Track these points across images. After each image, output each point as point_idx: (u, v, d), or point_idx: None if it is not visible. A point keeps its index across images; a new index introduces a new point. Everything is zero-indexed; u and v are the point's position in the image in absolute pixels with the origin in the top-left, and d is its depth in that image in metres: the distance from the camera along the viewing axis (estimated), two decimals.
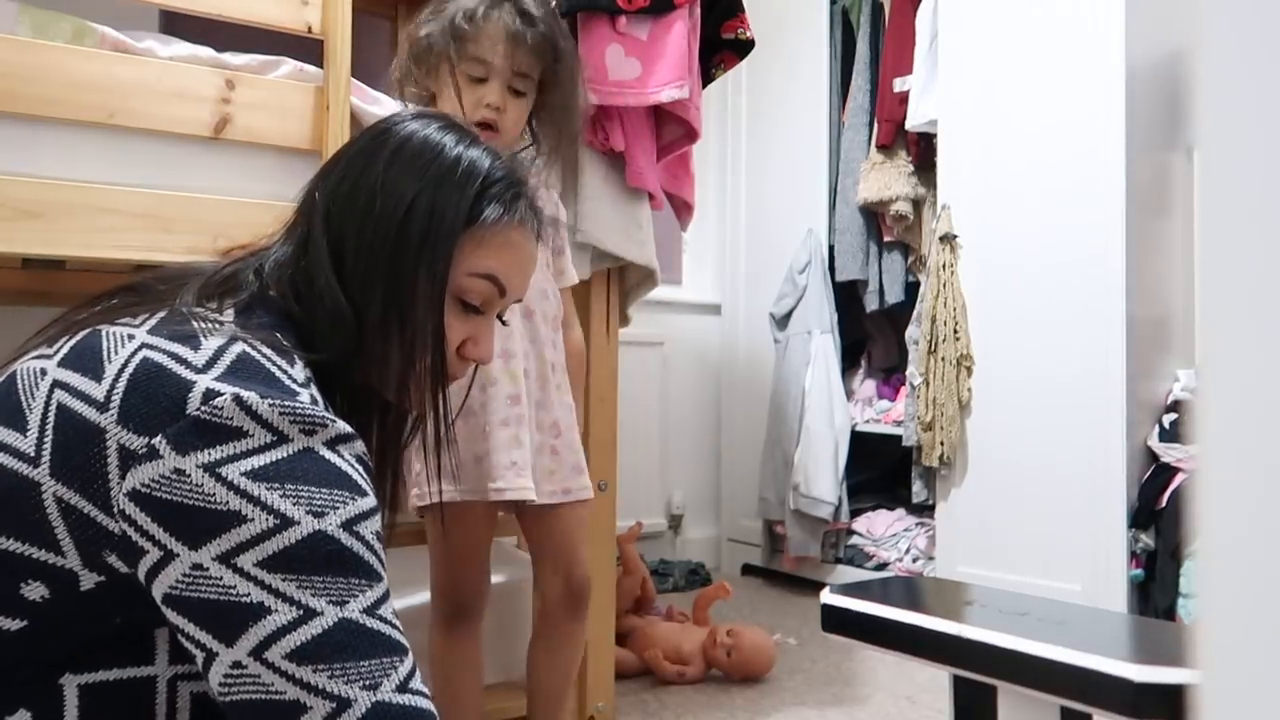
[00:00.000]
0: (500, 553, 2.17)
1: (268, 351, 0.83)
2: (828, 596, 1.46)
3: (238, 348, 0.81)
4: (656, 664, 2.31)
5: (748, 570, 3.52)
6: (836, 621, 1.43)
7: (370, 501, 0.80)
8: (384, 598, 0.78)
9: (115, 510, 0.74)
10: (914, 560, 3.04)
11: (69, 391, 0.77)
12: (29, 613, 0.76)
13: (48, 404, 0.77)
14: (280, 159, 1.54)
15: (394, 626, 0.78)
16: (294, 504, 0.75)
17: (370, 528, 0.79)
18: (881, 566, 3.10)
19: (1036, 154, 2.65)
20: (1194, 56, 0.30)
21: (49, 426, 0.76)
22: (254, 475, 0.74)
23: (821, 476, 3.10)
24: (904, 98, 3.05)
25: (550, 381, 1.53)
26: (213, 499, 0.73)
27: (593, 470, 1.94)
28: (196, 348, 0.80)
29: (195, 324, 0.82)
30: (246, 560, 0.73)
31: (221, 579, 0.72)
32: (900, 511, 3.18)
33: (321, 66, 1.58)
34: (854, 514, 3.22)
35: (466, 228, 0.94)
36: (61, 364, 0.80)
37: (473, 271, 0.95)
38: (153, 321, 0.83)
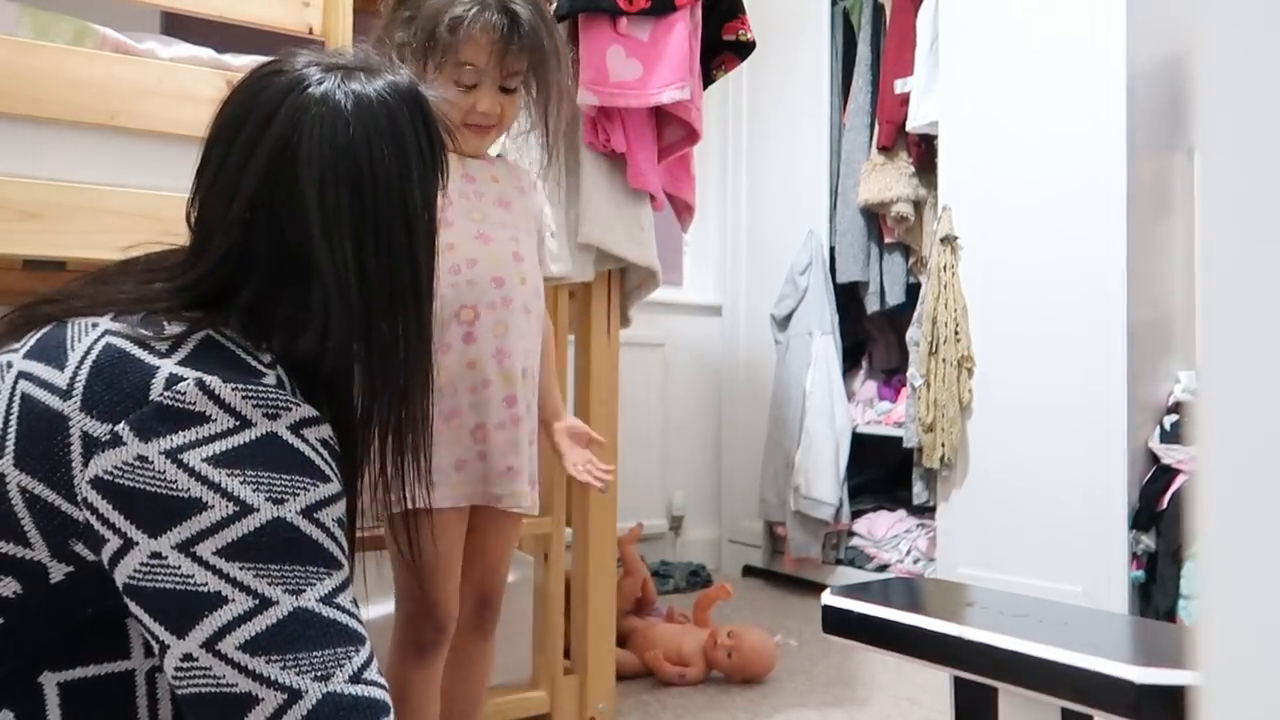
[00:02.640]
0: None
1: (233, 335, 0.82)
2: (828, 598, 1.46)
3: (202, 332, 0.80)
4: (657, 665, 2.31)
5: (748, 571, 3.52)
6: (837, 623, 1.43)
7: (333, 487, 0.79)
8: (343, 585, 0.78)
9: (79, 498, 0.74)
10: (915, 562, 3.04)
11: (32, 381, 0.77)
12: (2, 610, 0.75)
13: (12, 395, 0.77)
14: None
15: (351, 615, 0.77)
16: (254, 490, 0.74)
17: (332, 514, 0.78)
18: (882, 568, 3.10)
19: (1037, 155, 2.65)
20: (1194, 59, 0.30)
21: (13, 417, 0.76)
22: (215, 461, 0.73)
23: (822, 478, 3.10)
24: (905, 99, 3.05)
25: (536, 385, 1.47)
26: (174, 486, 0.72)
27: None
28: (160, 333, 0.79)
29: (162, 316, 0.82)
30: (205, 549, 0.72)
31: (180, 568, 0.72)
32: (901, 513, 3.18)
33: None
34: (855, 515, 3.22)
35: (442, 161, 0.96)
36: (27, 355, 0.79)
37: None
38: (115, 310, 0.83)
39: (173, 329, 0.79)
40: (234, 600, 0.72)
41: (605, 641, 1.98)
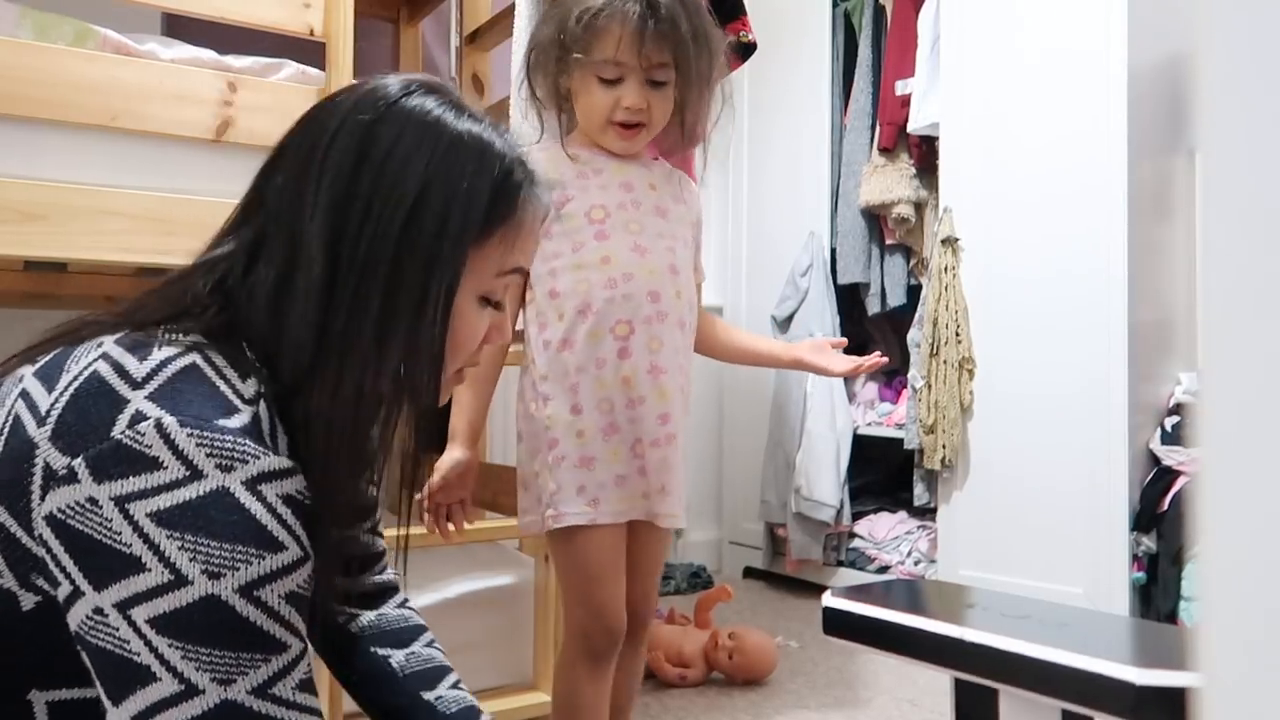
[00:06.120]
0: (500, 554, 2.17)
1: (221, 363, 0.77)
2: (829, 599, 1.45)
3: (186, 360, 0.75)
4: (658, 667, 2.30)
5: (749, 573, 3.52)
6: (838, 624, 1.43)
7: (284, 556, 0.71)
8: (283, 671, 0.71)
9: (35, 533, 0.70)
10: (916, 563, 3.04)
11: (26, 401, 0.74)
12: None
13: (8, 413, 0.74)
14: None
15: (290, 705, 0.71)
16: (190, 559, 0.68)
17: (277, 590, 0.71)
18: (883, 569, 3.10)
19: (1038, 156, 2.65)
20: (1196, 59, 0.30)
21: (2, 438, 0.73)
22: (158, 518, 0.68)
23: (823, 479, 3.10)
24: (906, 100, 3.05)
25: (688, 399, 1.44)
26: (119, 538, 0.68)
27: None
28: (144, 358, 0.74)
29: (158, 334, 0.77)
30: (139, 614, 0.68)
31: (118, 630, 0.68)
32: (902, 514, 3.18)
33: (323, 69, 1.58)
34: (856, 517, 3.22)
35: (496, 227, 0.84)
36: (36, 373, 0.76)
37: (503, 270, 0.87)
38: (123, 330, 0.79)
39: (158, 354, 0.75)
40: (161, 680, 0.67)
41: None
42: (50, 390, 0.74)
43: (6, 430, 0.73)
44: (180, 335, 0.78)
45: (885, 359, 1.57)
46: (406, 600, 1.11)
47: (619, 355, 1.35)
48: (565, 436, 1.35)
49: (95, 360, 0.75)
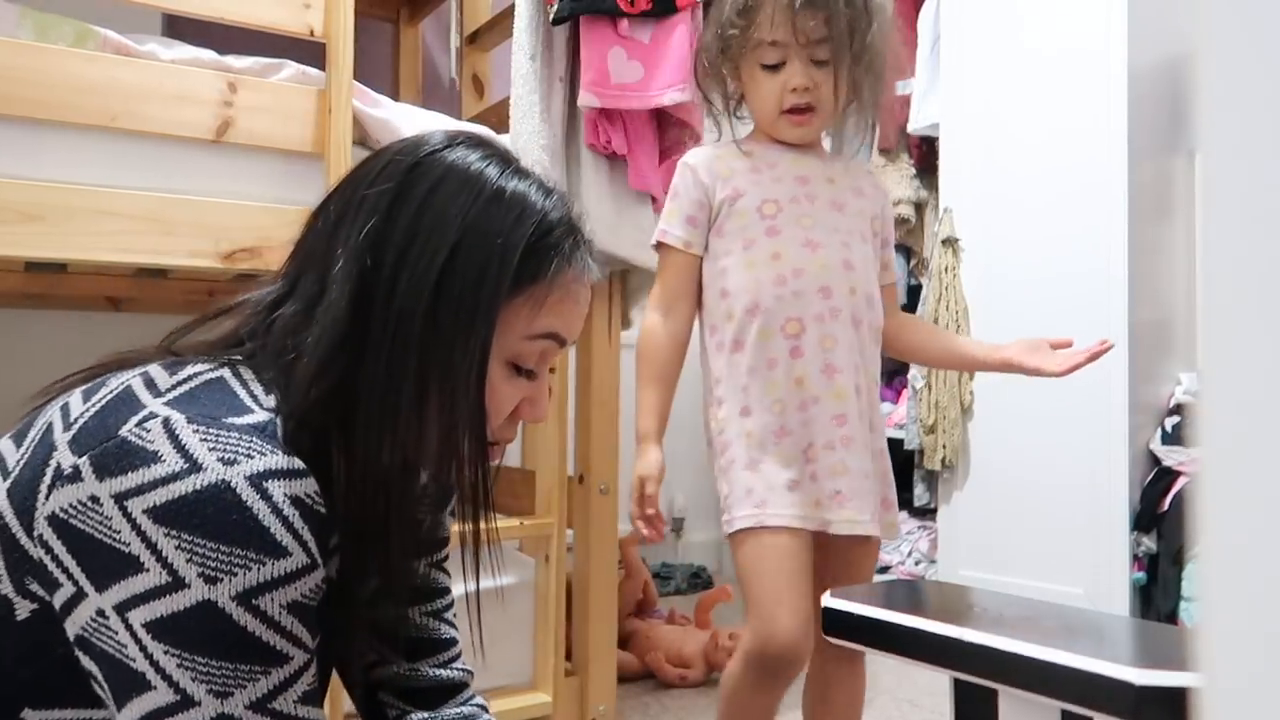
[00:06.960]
0: (500, 554, 2.17)
1: (248, 376, 0.77)
2: (829, 600, 1.45)
3: (215, 374, 0.75)
4: (658, 667, 2.30)
5: None
6: (838, 625, 1.42)
7: (289, 562, 0.68)
8: (284, 684, 0.69)
9: (35, 533, 0.69)
10: (916, 563, 3.04)
11: (63, 412, 0.74)
12: None
13: (45, 421, 0.75)
14: (282, 162, 1.55)
15: (288, 718, 0.69)
16: (187, 560, 0.65)
17: (279, 598, 0.68)
18: (884, 570, 3.10)
19: (1039, 157, 2.65)
20: (1196, 60, 0.30)
21: (32, 444, 0.73)
22: (155, 514, 0.66)
23: None
24: (906, 101, 3.05)
25: (877, 401, 1.38)
26: (118, 536, 0.66)
27: (594, 473, 1.95)
28: (175, 373, 0.75)
29: (196, 359, 0.78)
30: (136, 617, 0.66)
31: (117, 634, 0.66)
32: (902, 515, 3.18)
33: (324, 69, 1.58)
34: None
35: (525, 286, 0.80)
36: (83, 390, 0.76)
37: (531, 334, 0.82)
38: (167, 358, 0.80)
39: (189, 370, 0.76)
40: (157, 688, 0.65)
41: (606, 643, 1.98)
42: (86, 401, 0.74)
43: (39, 437, 0.73)
44: (217, 357, 0.79)
45: (1110, 344, 1.35)
46: (475, 697, 1.02)
47: (791, 355, 1.32)
48: (735, 440, 1.33)
49: (133, 377, 0.75)
